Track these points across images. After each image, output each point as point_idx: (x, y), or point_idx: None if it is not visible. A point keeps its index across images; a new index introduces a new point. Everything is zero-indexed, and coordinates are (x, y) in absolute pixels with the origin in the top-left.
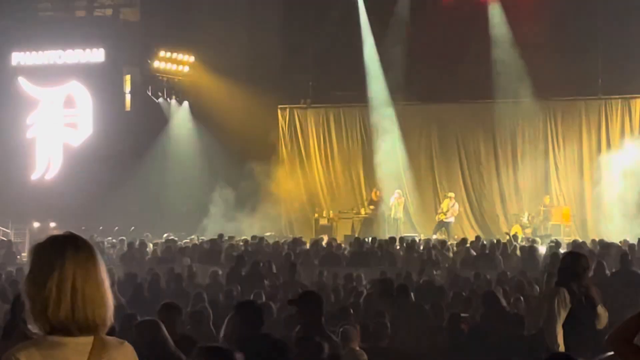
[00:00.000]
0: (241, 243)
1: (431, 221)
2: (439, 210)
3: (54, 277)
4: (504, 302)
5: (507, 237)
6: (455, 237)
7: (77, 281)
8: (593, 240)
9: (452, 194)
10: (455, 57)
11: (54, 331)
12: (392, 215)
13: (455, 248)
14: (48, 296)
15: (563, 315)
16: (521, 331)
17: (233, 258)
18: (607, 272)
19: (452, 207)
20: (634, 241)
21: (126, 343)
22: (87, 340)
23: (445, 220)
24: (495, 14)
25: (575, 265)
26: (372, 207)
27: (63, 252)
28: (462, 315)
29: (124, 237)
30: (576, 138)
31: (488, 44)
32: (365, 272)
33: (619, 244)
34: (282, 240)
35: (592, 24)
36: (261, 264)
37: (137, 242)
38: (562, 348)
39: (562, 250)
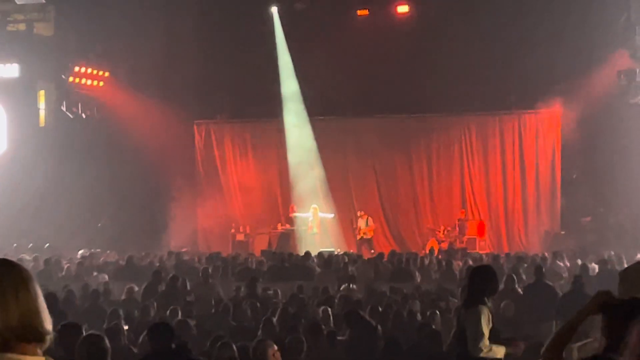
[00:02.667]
0: (157, 259)
1: (348, 236)
2: (357, 229)
3: None
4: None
5: (424, 252)
6: (372, 251)
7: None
8: (507, 254)
9: (361, 212)
10: (370, 72)
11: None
12: (308, 230)
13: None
14: None
15: (487, 334)
16: (437, 346)
17: (149, 274)
18: (517, 285)
19: (368, 223)
20: (548, 254)
21: None
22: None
23: (366, 237)
24: (409, 29)
25: (490, 281)
26: (288, 222)
27: None
28: None
29: (38, 254)
30: (490, 152)
31: (403, 58)
32: (282, 287)
33: (533, 257)
34: (198, 256)
35: (503, 39)
36: (179, 280)
37: (52, 259)
38: None
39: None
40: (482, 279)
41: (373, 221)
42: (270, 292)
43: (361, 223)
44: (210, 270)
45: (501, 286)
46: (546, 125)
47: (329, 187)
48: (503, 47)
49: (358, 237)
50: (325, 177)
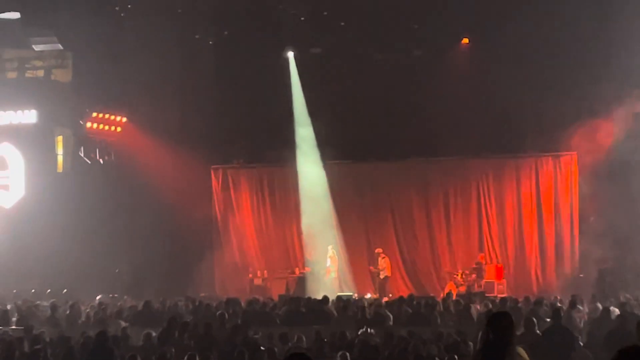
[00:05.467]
0: (174, 305)
1: (365, 279)
2: (379, 269)
3: None
4: None
5: (443, 296)
6: (390, 295)
7: None
8: (526, 298)
9: (379, 250)
10: (386, 116)
11: None
12: (327, 275)
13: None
14: None
15: None
16: None
17: (166, 320)
18: (537, 329)
19: (385, 263)
20: (566, 297)
21: None
22: None
23: (384, 276)
24: (425, 73)
25: (513, 327)
26: (306, 267)
27: None
28: None
29: (55, 300)
30: (508, 195)
31: (418, 102)
32: (300, 332)
33: (552, 301)
34: (216, 302)
35: (519, 82)
36: (196, 326)
37: (70, 305)
38: None
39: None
40: (507, 325)
41: (387, 260)
42: (295, 337)
43: (380, 263)
44: (226, 316)
45: (521, 329)
46: (563, 168)
47: (346, 231)
48: (519, 90)
49: (382, 276)
50: (342, 221)
